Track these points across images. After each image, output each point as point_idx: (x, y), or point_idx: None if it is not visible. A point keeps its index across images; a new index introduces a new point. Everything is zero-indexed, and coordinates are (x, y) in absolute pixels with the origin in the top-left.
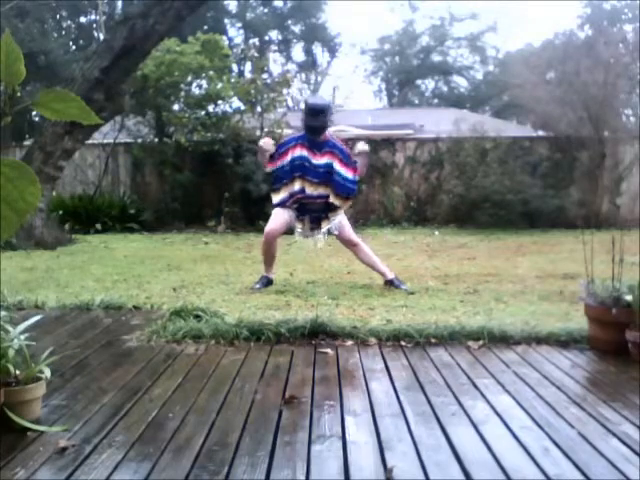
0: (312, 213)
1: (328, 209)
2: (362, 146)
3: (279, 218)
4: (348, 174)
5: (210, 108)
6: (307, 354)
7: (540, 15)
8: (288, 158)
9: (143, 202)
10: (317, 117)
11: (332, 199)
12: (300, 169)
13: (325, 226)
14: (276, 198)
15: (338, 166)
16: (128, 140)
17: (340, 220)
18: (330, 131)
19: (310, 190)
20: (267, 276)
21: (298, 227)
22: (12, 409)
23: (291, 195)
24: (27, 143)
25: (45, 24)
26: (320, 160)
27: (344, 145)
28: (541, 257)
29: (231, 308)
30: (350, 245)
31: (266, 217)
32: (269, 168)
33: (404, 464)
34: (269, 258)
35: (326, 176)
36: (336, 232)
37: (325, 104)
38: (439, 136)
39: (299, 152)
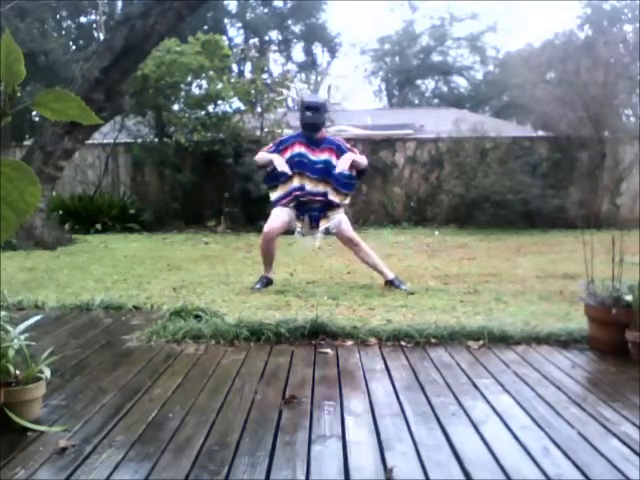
0: (312, 212)
1: (327, 207)
2: (361, 160)
3: (278, 218)
4: (346, 170)
5: (210, 108)
6: (307, 354)
7: (540, 15)
8: (287, 155)
9: (143, 202)
10: (313, 114)
11: (331, 196)
12: (299, 165)
13: (324, 225)
14: (274, 195)
15: (336, 162)
16: (128, 140)
17: (340, 219)
18: (329, 130)
19: (310, 187)
20: (267, 276)
21: (298, 226)
22: (12, 409)
23: (290, 192)
24: (27, 143)
25: (45, 24)
26: (319, 156)
27: (344, 142)
28: (541, 257)
29: (231, 308)
30: (350, 244)
31: (266, 217)
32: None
33: (404, 464)
34: (268, 258)
35: (325, 172)
36: (334, 230)
37: (320, 102)
38: (439, 136)
39: (297, 149)
